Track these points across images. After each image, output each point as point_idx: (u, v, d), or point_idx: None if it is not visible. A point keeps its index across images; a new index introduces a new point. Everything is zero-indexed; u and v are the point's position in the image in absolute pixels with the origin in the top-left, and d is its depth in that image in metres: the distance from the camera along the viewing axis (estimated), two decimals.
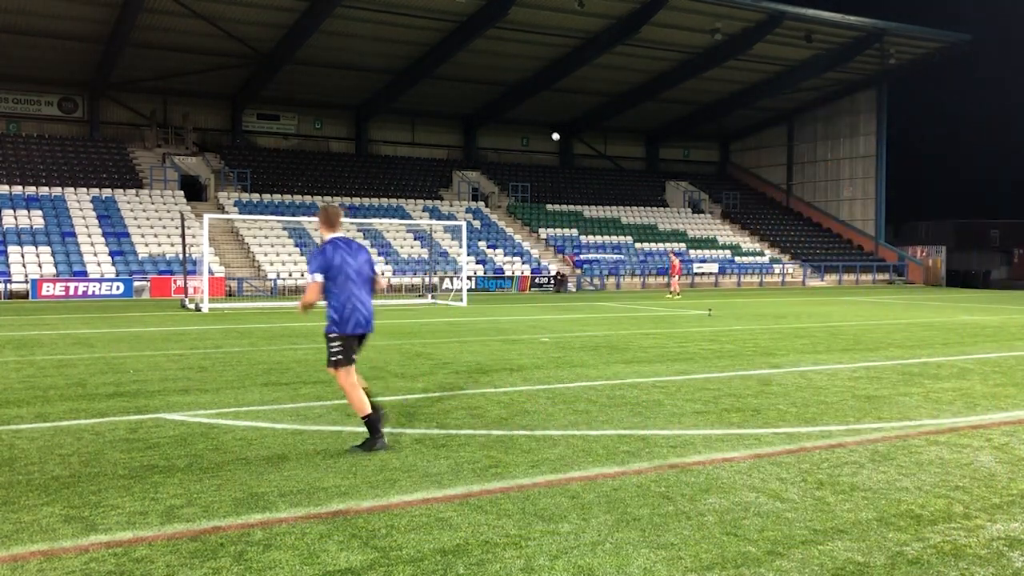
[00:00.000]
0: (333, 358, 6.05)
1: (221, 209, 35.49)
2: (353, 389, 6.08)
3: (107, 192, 34.48)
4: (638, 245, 42.40)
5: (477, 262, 36.41)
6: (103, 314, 20.18)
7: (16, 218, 30.94)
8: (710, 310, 21.62)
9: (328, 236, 6.21)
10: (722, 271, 42.02)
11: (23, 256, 29.02)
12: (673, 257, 31.87)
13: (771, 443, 6.43)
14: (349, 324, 6.02)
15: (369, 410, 6.03)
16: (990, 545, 4.25)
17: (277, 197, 37.72)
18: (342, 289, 6.03)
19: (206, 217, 23.21)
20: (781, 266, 44.01)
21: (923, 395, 8.63)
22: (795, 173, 53.17)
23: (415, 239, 37.33)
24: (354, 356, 6.10)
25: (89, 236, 31.22)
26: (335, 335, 6.03)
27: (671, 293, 30.48)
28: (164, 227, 32.99)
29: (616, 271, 39.12)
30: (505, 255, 37.90)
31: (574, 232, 42.24)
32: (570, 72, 40.15)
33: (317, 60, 37.05)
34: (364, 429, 6.26)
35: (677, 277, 30.89)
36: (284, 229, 35.37)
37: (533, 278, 36.04)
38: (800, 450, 6.20)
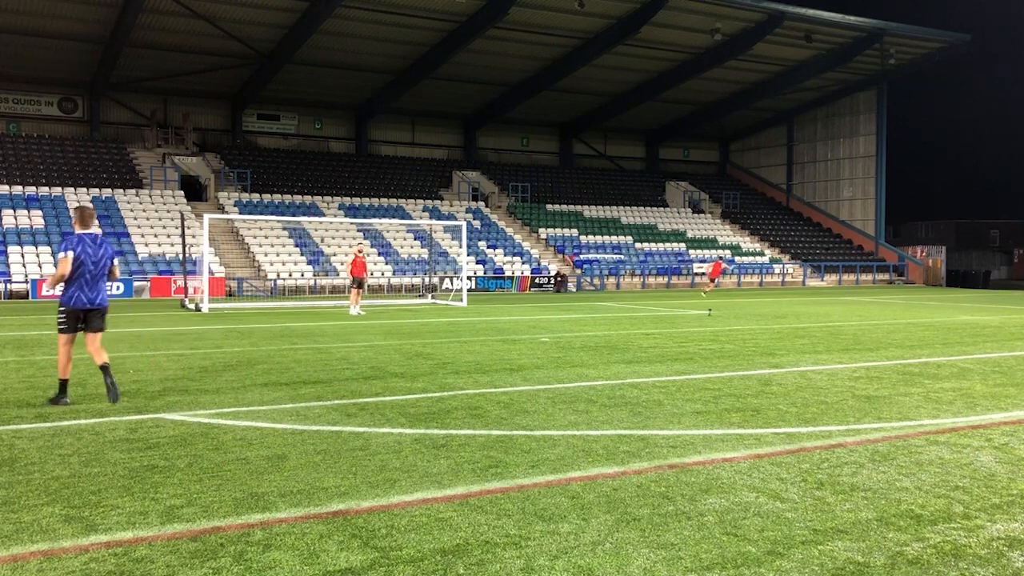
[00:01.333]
0: (59, 325, 7.76)
1: (221, 209, 35.48)
2: (63, 354, 7.72)
3: (107, 192, 34.46)
4: (638, 245, 42.40)
5: (477, 262, 36.40)
6: None
7: (16, 218, 30.92)
8: (710, 310, 21.62)
9: (79, 231, 7.71)
10: (722, 271, 41.96)
11: (23, 256, 29.00)
12: (719, 260, 32.81)
13: (771, 443, 6.42)
14: (72, 301, 7.64)
15: (66, 376, 7.72)
16: (990, 545, 4.25)
17: (277, 197, 37.71)
18: (76, 275, 7.60)
19: (206, 217, 23.20)
20: (781, 266, 43.99)
21: (923, 395, 8.62)
22: (795, 173, 53.14)
23: (415, 239, 37.32)
24: (79, 326, 7.75)
25: None
26: (62, 308, 7.72)
27: (705, 291, 30.93)
28: (164, 227, 32.97)
29: (616, 271, 39.11)
30: (505, 255, 37.89)
31: (574, 232, 42.23)
32: (570, 72, 40.14)
33: (317, 60, 37.04)
34: (362, 428, 6.48)
35: (713, 279, 31.51)
36: (284, 229, 35.35)
37: (533, 278, 36.02)
38: (800, 450, 6.20)
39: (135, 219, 33.10)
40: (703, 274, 40.86)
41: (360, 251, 21.27)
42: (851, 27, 40.10)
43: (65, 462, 5.74)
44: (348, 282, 21.16)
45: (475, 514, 4.66)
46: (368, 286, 32.95)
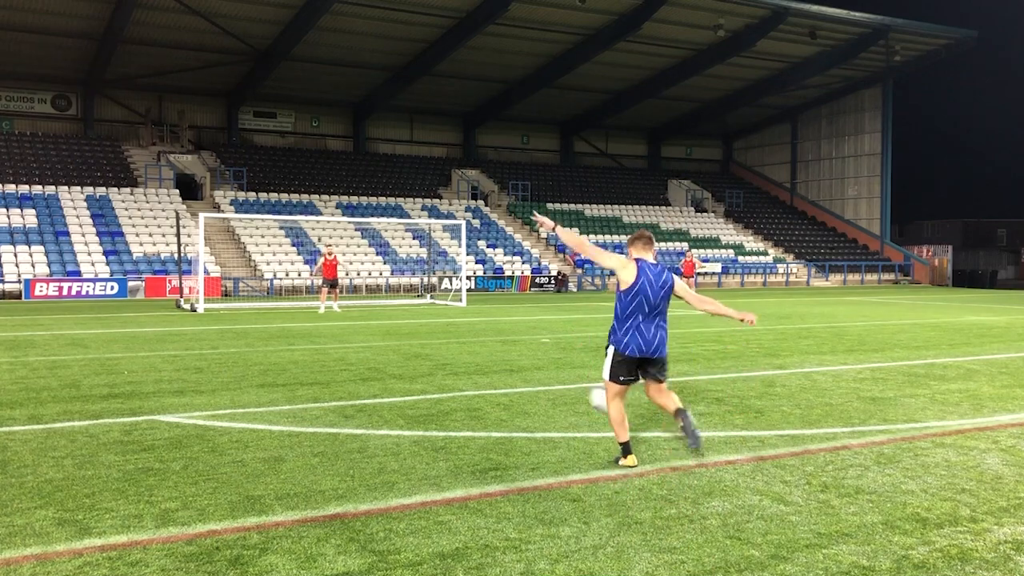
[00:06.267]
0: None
1: (217, 208, 35.38)
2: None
3: (101, 191, 34.35)
4: None
5: (476, 262, 36.34)
6: (97, 314, 20.10)
7: (9, 217, 30.78)
8: None
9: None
10: (725, 271, 41.90)
11: (16, 256, 28.86)
12: (690, 255, 30.92)
13: (775, 445, 6.37)
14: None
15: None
16: (997, 549, 4.21)
17: (274, 196, 37.62)
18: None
19: (202, 216, 23.02)
20: (785, 266, 43.90)
21: (929, 397, 8.57)
22: (799, 171, 53.03)
23: (414, 238, 37.25)
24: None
25: (83, 235, 31.08)
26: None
27: None
28: (159, 226, 32.87)
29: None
30: (505, 255, 37.83)
31: (575, 231, 42.16)
32: (571, 69, 40.06)
33: (314, 57, 36.95)
34: (360, 430, 6.34)
35: (688, 276, 30.28)
36: (281, 228, 35.28)
37: (533, 278, 35.96)
38: (804, 452, 6.15)
39: (130, 218, 33.00)
40: (706, 273, 40.80)
41: (329, 253, 21.23)
42: (856, 23, 39.99)
43: (59, 464, 5.68)
44: (319, 282, 21.24)
45: (474, 517, 4.61)
46: (366, 286, 32.92)
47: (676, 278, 5.67)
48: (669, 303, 5.60)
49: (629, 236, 5.80)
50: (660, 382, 5.66)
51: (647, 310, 5.54)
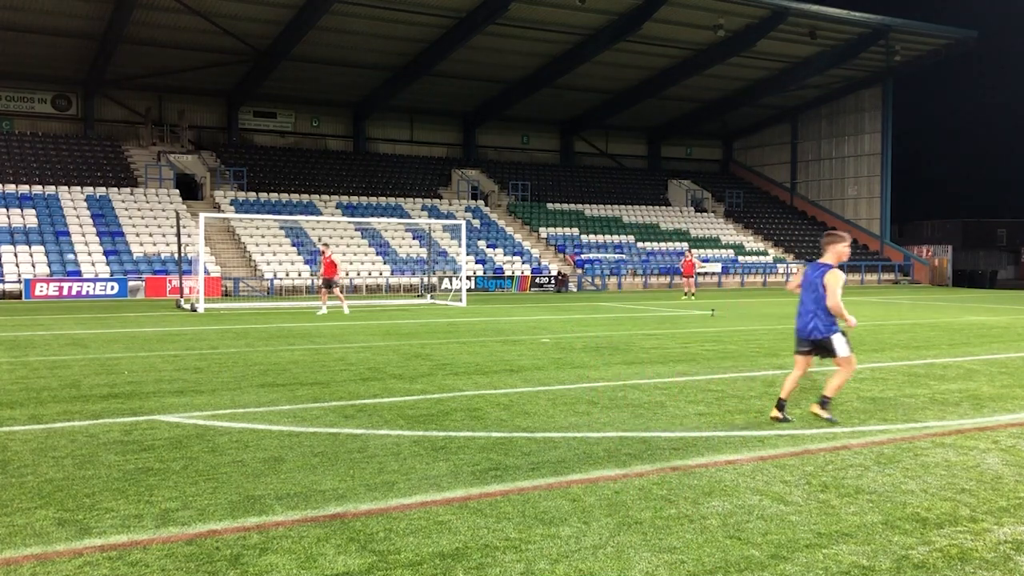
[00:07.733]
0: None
1: (217, 208, 35.38)
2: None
3: (101, 191, 34.35)
4: (640, 244, 42.34)
5: (477, 262, 36.34)
6: (97, 314, 20.10)
7: (9, 217, 30.78)
8: (713, 310, 21.55)
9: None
10: (725, 271, 41.89)
11: (16, 256, 28.86)
12: (689, 255, 30.80)
13: (775, 445, 6.37)
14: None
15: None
16: (997, 549, 4.21)
17: (274, 196, 37.62)
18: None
19: (202, 216, 23.02)
20: (785, 266, 43.88)
21: (929, 396, 8.57)
22: (799, 171, 53.02)
23: (414, 238, 37.26)
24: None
25: (83, 235, 31.08)
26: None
27: (686, 293, 30.00)
28: (159, 226, 32.87)
29: (618, 271, 39.05)
30: (505, 255, 37.83)
31: (575, 231, 42.16)
32: (571, 69, 40.06)
33: (314, 57, 36.97)
34: (360, 430, 6.34)
35: (688, 276, 30.03)
36: (281, 228, 35.28)
37: (533, 278, 35.96)
38: (804, 452, 6.15)
39: (130, 218, 33.01)
40: (706, 273, 40.79)
41: (323, 252, 21.07)
42: (856, 23, 39.98)
43: (59, 464, 5.68)
44: (320, 282, 21.17)
45: (474, 517, 4.61)
46: (366, 286, 32.92)
47: (828, 275, 7.14)
48: (816, 296, 7.13)
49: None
50: (807, 356, 7.32)
51: (800, 301, 7.36)
